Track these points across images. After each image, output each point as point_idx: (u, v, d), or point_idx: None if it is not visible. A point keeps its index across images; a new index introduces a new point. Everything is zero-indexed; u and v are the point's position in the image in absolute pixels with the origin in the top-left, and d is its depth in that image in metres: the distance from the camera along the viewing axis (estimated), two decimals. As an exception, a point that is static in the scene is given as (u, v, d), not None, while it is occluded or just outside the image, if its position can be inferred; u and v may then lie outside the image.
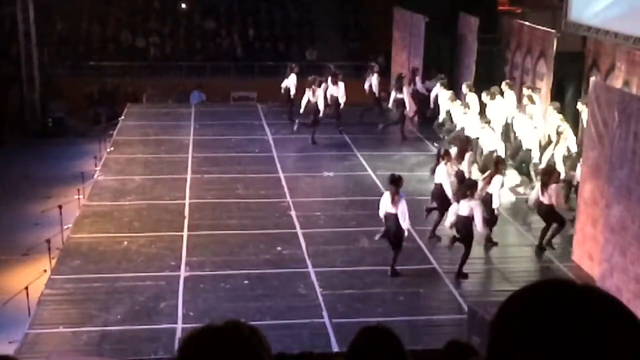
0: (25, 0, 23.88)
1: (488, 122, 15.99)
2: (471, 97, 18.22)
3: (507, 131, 17.71)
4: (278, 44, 28.32)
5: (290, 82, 20.39)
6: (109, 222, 14.09)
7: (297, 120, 19.42)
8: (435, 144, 18.49)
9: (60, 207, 14.46)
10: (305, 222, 14.01)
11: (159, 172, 16.95)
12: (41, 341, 10.07)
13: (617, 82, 16.11)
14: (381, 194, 15.49)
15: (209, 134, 20.06)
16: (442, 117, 18.49)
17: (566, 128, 15.43)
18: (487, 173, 13.22)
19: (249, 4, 29.32)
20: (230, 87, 25.93)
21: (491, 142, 15.78)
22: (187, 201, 15.04)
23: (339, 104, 19.37)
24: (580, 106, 16.40)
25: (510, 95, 18.12)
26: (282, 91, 20.62)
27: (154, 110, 23.19)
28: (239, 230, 13.64)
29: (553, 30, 18.23)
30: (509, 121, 17.70)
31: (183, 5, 29.24)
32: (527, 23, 20.35)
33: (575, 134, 15.90)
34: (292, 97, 20.33)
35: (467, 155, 13.96)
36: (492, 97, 17.78)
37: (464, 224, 11.75)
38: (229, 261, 12.39)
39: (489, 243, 12.88)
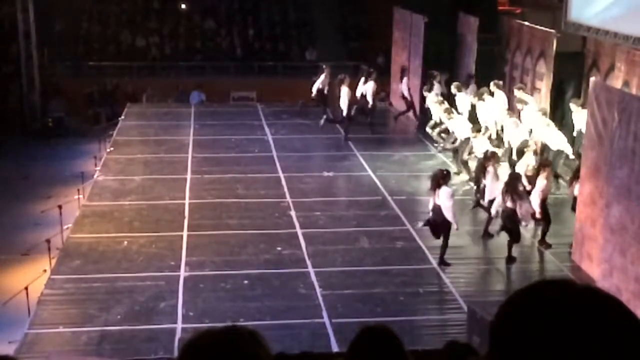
0: (25, 1, 23.88)
1: (478, 130, 15.71)
2: (461, 98, 18.25)
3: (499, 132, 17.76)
4: (278, 44, 28.32)
5: (322, 82, 20.71)
6: (108, 222, 14.09)
7: (324, 117, 19.84)
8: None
9: (60, 207, 14.46)
10: (305, 222, 14.00)
11: (159, 172, 16.95)
12: (41, 341, 10.07)
13: (617, 82, 16.12)
14: (380, 194, 15.57)
15: (209, 134, 20.06)
16: (435, 117, 18.43)
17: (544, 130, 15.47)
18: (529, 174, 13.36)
19: (248, 4, 29.31)
20: (230, 87, 25.93)
21: (483, 145, 15.61)
22: (187, 201, 15.04)
23: (368, 103, 19.73)
24: (573, 107, 16.42)
25: (499, 95, 18.14)
26: (314, 91, 20.89)
27: (154, 110, 23.19)
28: (239, 230, 13.64)
29: (553, 31, 18.24)
30: (499, 122, 17.75)
31: (183, 6, 29.24)
32: (526, 23, 20.35)
33: (568, 135, 15.94)
34: (326, 95, 20.73)
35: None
36: (480, 98, 17.81)
37: (509, 216, 12.14)
38: (228, 261, 12.39)
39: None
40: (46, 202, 16.48)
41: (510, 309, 1.36)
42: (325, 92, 20.79)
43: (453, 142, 17.00)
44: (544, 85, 18.31)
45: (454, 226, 12.06)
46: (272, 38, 28.57)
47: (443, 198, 11.88)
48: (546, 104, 17.63)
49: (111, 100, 25.35)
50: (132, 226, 13.87)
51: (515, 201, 12.03)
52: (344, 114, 19.09)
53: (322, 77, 20.64)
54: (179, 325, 10.33)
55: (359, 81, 20.03)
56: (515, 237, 12.29)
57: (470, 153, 16.38)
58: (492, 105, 17.74)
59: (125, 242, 13.10)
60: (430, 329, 10.37)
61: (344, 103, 19.02)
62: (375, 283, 11.78)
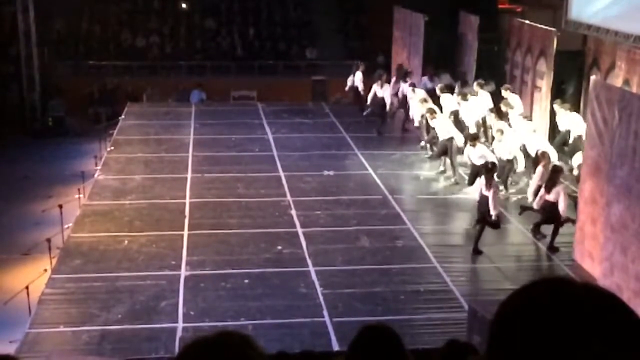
0: (25, 0, 23.86)
1: (474, 139, 15.16)
2: (445, 98, 18.25)
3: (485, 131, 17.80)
4: (278, 43, 28.31)
5: (356, 79, 21.17)
6: (109, 221, 14.09)
7: (365, 112, 20.32)
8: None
9: (60, 206, 14.45)
10: (305, 221, 14.01)
11: (160, 172, 16.96)
12: (42, 340, 10.08)
13: (618, 81, 16.12)
14: (381, 193, 15.56)
15: (209, 133, 20.06)
16: (416, 117, 18.47)
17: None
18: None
19: (249, 3, 29.30)
20: (230, 86, 25.93)
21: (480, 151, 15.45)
22: (187, 200, 15.04)
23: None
24: (557, 108, 16.41)
25: (483, 95, 18.15)
26: (347, 89, 21.25)
27: (154, 110, 23.20)
28: (240, 230, 13.64)
29: (553, 29, 18.24)
30: (482, 121, 17.82)
31: (183, 5, 29.23)
32: (527, 22, 20.36)
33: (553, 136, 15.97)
34: (361, 93, 21.16)
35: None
36: (464, 98, 17.81)
37: (551, 208, 12.57)
38: (229, 260, 12.39)
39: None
40: (47, 201, 16.47)
41: (510, 308, 1.35)
42: (360, 89, 21.26)
43: (432, 141, 17.01)
44: (544, 84, 18.32)
45: (493, 214, 12.53)
46: (272, 37, 28.55)
47: (491, 191, 12.44)
48: (547, 103, 17.65)
49: (111, 100, 25.35)
50: (132, 225, 13.88)
51: (558, 193, 12.49)
52: (385, 109, 19.66)
53: (357, 74, 20.98)
54: (180, 325, 10.33)
55: (398, 78, 20.35)
56: (557, 226, 12.71)
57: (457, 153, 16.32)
58: (475, 106, 17.81)
59: (126, 242, 13.10)
60: (430, 328, 10.36)
61: (387, 99, 19.58)
62: (376, 282, 11.78)
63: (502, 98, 17.59)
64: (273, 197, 15.29)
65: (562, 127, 16.53)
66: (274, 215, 14.38)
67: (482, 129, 17.82)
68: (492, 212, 12.51)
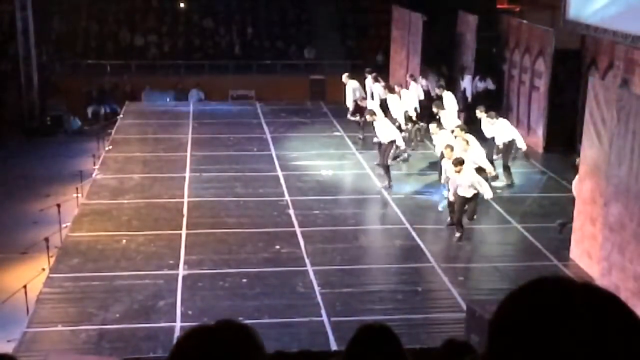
0: (23, -1, 23.85)
1: (450, 149, 13.92)
2: (391, 98, 18.32)
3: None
4: (276, 43, 28.31)
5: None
6: (107, 220, 14.09)
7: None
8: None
9: (58, 205, 14.45)
10: (303, 221, 14.00)
11: (158, 171, 16.95)
12: (40, 339, 10.07)
13: (616, 81, 16.12)
14: (379, 193, 15.55)
15: (208, 133, 20.06)
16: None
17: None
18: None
19: (247, 2, 29.29)
20: (228, 85, 25.92)
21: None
22: (185, 199, 15.04)
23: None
24: (480, 115, 16.22)
25: (413, 89, 18.85)
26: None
27: (153, 109, 23.19)
28: (238, 229, 13.64)
29: (551, 29, 18.25)
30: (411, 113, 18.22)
31: (181, 4, 29.21)
32: (525, 21, 20.36)
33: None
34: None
35: None
36: (391, 91, 18.21)
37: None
38: (227, 260, 12.39)
39: None
40: (45, 200, 16.46)
41: (508, 307, 1.35)
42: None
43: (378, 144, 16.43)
44: (543, 84, 18.33)
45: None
46: (270, 36, 28.55)
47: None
48: (545, 103, 17.66)
49: (110, 99, 25.34)
50: (130, 225, 13.87)
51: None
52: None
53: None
54: (178, 324, 10.32)
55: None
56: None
57: (395, 158, 16.19)
58: (405, 99, 18.06)
59: (124, 241, 13.10)
60: (428, 328, 10.36)
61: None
62: (374, 281, 11.79)
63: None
64: (271, 197, 15.29)
65: (487, 135, 16.07)
66: (272, 214, 14.38)
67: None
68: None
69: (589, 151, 12.28)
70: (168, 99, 25.02)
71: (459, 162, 12.83)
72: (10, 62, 25.06)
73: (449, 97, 18.21)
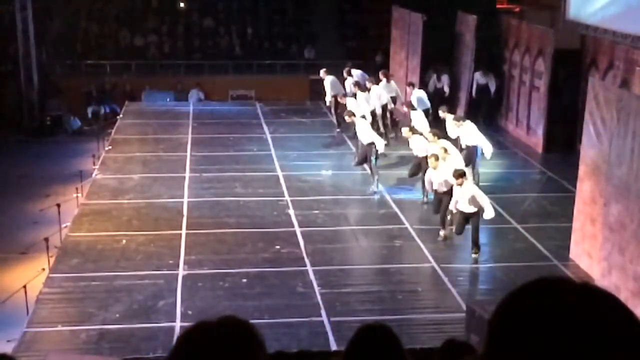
0: (23, -1, 23.85)
1: (436, 158, 13.52)
2: (360, 95, 18.32)
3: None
4: (276, 43, 28.31)
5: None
6: (107, 220, 14.09)
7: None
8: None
9: (58, 205, 14.45)
10: (303, 221, 14.00)
11: (158, 171, 16.95)
12: (39, 340, 10.07)
13: (616, 81, 16.12)
14: (379, 193, 15.53)
15: (208, 133, 20.06)
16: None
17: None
18: None
19: (247, 2, 29.28)
20: (228, 85, 25.92)
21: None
22: (185, 200, 15.04)
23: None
24: (444, 115, 16.13)
25: (383, 86, 18.91)
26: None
27: (153, 109, 23.19)
28: (238, 229, 13.63)
29: (551, 29, 18.24)
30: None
31: (181, 4, 29.21)
32: (525, 22, 20.36)
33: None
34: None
35: None
36: (361, 89, 18.26)
37: None
38: (227, 260, 12.39)
39: None
40: (44, 200, 16.46)
41: (508, 307, 1.35)
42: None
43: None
44: (543, 84, 18.32)
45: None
46: (270, 36, 28.55)
47: None
48: (545, 103, 17.65)
49: (110, 99, 25.34)
50: (130, 225, 13.87)
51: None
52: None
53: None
54: (178, 324, 10.32)
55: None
56: None
57: (376, 158, 16.09)
58: (374, 95, 18.25)
59: (124, 241, 13.10)
60: (428, 328, 10.36)
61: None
62: (374, 281, 11.80)
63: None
64: (271, 197, 15.28)
65: (452, 135, 15.65)
66: (272, 214, 14.38)
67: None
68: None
69: (589, 151, 12.27)
70: (168, 99, 25.02)
71: (460, 175, 12.15)
72: (10, 62, 25.05)
73: (420, 95, 18.65)
